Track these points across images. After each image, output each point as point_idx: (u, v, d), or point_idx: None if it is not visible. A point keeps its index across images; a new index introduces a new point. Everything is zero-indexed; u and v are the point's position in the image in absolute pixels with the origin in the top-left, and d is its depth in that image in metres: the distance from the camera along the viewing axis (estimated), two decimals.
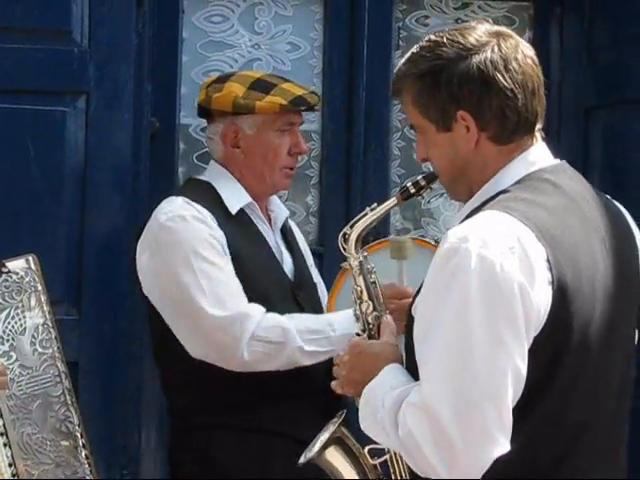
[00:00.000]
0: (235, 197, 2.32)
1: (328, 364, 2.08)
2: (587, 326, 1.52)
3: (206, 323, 2.19)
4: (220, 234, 2.25)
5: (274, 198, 2.45)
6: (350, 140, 3.07)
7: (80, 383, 2.73)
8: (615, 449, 1.63)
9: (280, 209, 2.47)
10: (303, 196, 3.07)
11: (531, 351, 1.42)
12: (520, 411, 1.44)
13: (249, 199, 2.30)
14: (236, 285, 2.24)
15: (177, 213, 2.24)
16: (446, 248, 1.42)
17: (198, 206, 2.25)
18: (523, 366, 1.41)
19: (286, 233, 2.49)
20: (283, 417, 2.26)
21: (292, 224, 2.60)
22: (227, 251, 2.28)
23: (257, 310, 2.23)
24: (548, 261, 1.42)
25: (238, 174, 2.30)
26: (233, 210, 2.27)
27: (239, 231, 2.33)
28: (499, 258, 1.41)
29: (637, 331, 1.72)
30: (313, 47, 3.07)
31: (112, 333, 2.73)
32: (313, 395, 2.25)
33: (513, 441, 1.42)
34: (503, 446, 1.38)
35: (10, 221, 2.70)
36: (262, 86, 2.33)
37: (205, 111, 2.37)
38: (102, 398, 2.77)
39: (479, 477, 1.44)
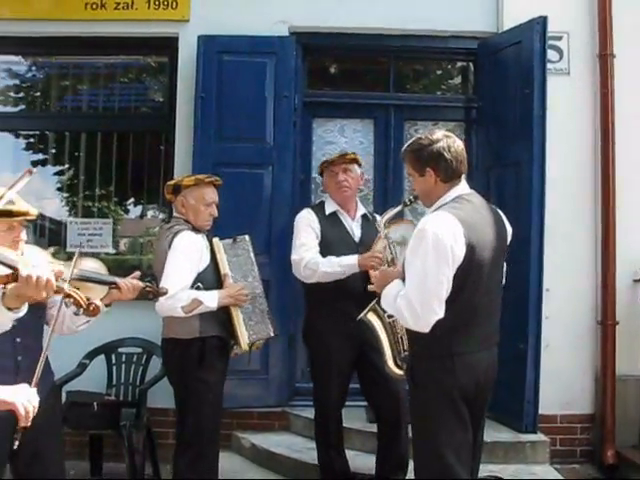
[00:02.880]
0: (329, 207, 4.11)
1: (364, 280, 3.70)
2: (482, 262, 2.69)
3: (292, 261, 4.00)
4: (315, 224, 4.02)
5: (359, 203, 4.17)
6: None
7: (271, 294, 4.87)
8: (494, 318, 2.89)
9: (360, 210, 4.16)
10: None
11: (455, 275, 2.63)
12: (451, 301, 2.65)
13: (336, 207, 4.09)
14: (313, 245, 3.93)
15: (299, 214, 4.11)
16: (418, 228, 2.69)
17: (308, 211, 4.10)
18: (450, 280, 2.61)
19: (367, 221, 4.11)
20: (347, 303, 3.73)
21: (377, 216, 4.10)
22: (318, 232, 3.98)
23: (309, 254, 3.87)
24: (464, 235, 2.62)
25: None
26: (327, 212, 4.08)
27: (326, 222, 4.03)
28: (441, 233, 2.61)
29: (505, 265, 3.00)
30: (370, 142, 5.53)
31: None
32: (358, 293, 3.62)
33: (447, 314, 2.61)
34: (439, 315, 2.62)
35: (248, 222, 4.70)
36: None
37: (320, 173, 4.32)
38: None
39: (428, 329, 2.64)
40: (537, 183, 4.73)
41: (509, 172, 4.99)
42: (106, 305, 2.78)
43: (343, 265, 3.80)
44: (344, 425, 4.43)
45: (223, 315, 3.64)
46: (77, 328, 2.90)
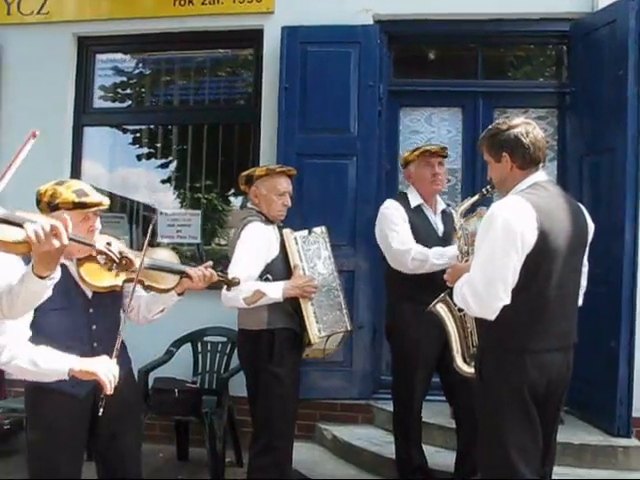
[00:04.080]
0: (414, 199, 4.00)
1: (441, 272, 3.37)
2: (555, 251, 2.57)
3: (394, 250, 3.89)
4: (405, 216, 3.92)
5: (438, 198, 4.08)
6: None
7: (356, 285, 5.03)
8: (570, 316, 2.76)
9: (440, 205, 4.07)
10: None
11: (525, 262, 2.53)
12: (521, 290, 2.56)
13: (421, 200, 3.99)
14: (407, 235, 3.85)
15: (387, 204, 3.99)
16: (488, 213, 2.63)
17: (396, 202, 3.98)
18: (518, 267, 2.53)
19: (446, 215, 4.02)
20: (432, 295, 3.37)
21: (452, 211, 3.77)
22: (407, 222, 3.89)
23: (413, 245, 3.79)
24: (536, 220, 2.53)
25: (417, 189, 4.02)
26: (412, 205, 3.97)
27: (412, 214, 3.94)
28: (511, 217, 2.53)
29: (586, 265, 2.89)
30: (458, 131, 5.44)
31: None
32: (442, 286, 3.22)
33: (517, 305, 2.52)
34: (505, 301, 2.53)
35: (332, 213, 4.81)
36: (415, 149, 4.06)
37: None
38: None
39: (493, 316, 2.56)
40: (631, 170, 4.45)
41: (603, 159, 4.73)
42: (179, 294, 2.87)
43: (450, 256, 3.65)
44: (427, 420, 4.37)
45: (293, 307, 3.62)
46: (152, 317, 2.97)
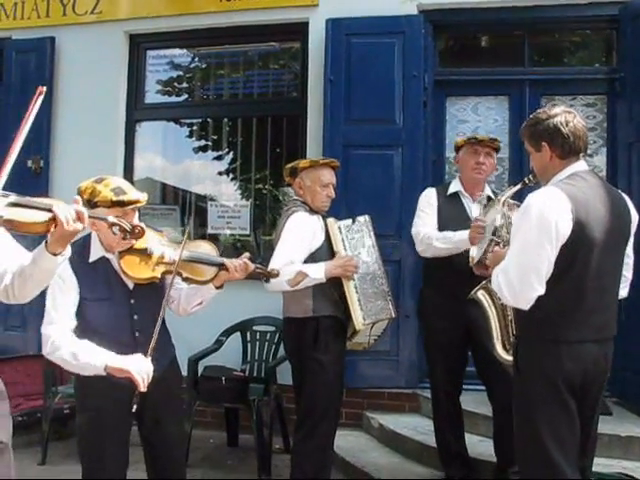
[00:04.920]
0: (454, 187, 4.08)
1: (466, 259, 3.59)
2: (592, 242, 2.56)
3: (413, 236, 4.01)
4: (434, 202, 4.01)
5: (486, 188, 4.06)
6: None
7: (402, 274, 5.09)
8: (609, 308, 2.71)
9: (485, 191, 4.07)
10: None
11: (560, 252, 2.53)
12: (556, 280, 2.56)
13: (460, 187, 4.04)
14: (429, 221, 3.93)
15: (424, 192, 4.12)
16: (525, 203, 2.62)
17: (432, 189, 4.09)
18: (552, 258, 2.52)
19: (489, 201, 3.94)
20: (454, 282, 3.67)
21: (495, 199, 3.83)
22: (435, 209, 3.97)
23: (426, 229, 3.88)
24: (571, 210, 2.52)
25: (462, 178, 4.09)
26: (449, 192, 4.05)
27: (445, 200, 4.03)
28: (545, 207, 2.53)
29: (631, 256, 2.95)
30: (505, 120, 5.40)
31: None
32: (467, 273, 3.51)
33: (553, 295, 2.54)
34: (539, 291, 2.54)
35: (378, 203, 4.88)
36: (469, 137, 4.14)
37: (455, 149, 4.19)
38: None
39: (527, 306, 2.57)
40: None
41: None
42: (218, 287, 2.95)
43: (455, 240, 3.76)
44: (472, 410, 4.40)
45: (339, 295, 3.67)
46: (191, 309, 3.04)
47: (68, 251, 2.36)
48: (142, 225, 2.53)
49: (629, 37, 4.97)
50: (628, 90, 4.99)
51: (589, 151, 5.16)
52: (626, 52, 5.03)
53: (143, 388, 2.52)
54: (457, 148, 4.16)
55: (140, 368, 2.54)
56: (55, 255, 2.29)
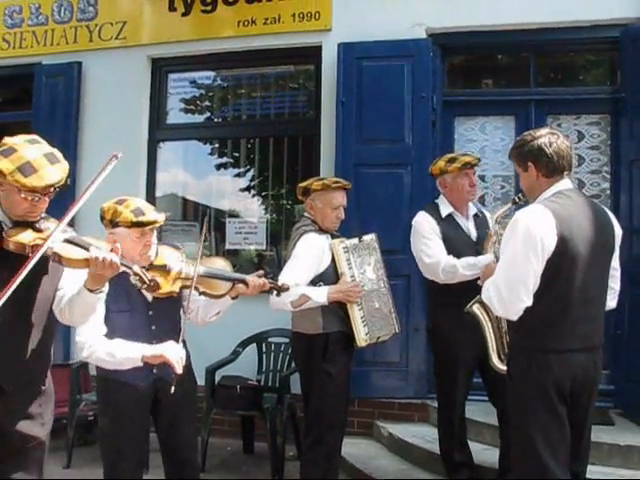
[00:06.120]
0: (444, 209, 4.07)
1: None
2: (575, 256, 2.72)
3: (425, 263, 4.02)
4: (436, 227, 4.00)
5: (470, 205, 4.11)
6: None
7: (412, 289, 5.26)
8: (595, 318, 2.85)
9: (471, 210, 4.12)
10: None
11: (546, 266, 2.70)
12: (543, 292, 2.72)
13: (451, 209, 4.05)
14: (442, 248, 3.92)
15: (418, 218, 4.05)
16: (512, 220, 2.80)
17: (427, 214, 4.03)
18: (538, 271, 2.68)
19: (478, 219, 4.10)
20: (461, 299, 3.51)
21: (487, 214, 4.19)
22: (439, 233, 3.98)
23: (443, 257, 3.88)
24: (555, 226, 2.69)
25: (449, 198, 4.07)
26: (443, 215, 4.04)
27: (442, 223, 4.01)
28: (532, 224, 2.70)
29: (618, 269, 3.01)
30: (511, 139, 5.45)
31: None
32: (474, 290, 3.41)
33: (540, 306, 2.69)
34: (526, 303, 2.71)
35: (388, 220, 5.01)
36: (452, 159, 4.06)
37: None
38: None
39: (516, 317, 2.74)
40: None
41: None
42: (233, 298, 3.16)
43: (481, 266, 3.73)
44: (476, 419, 4.54)
45: (343, 312, 3.85)
46: (209, 319, 3.26)
47: (106, 288, 2.60)
48: (158, 280, 2.80)
49: (630, 59, 5.13)
50: (630, 110, 5.15)
51: (593, 167, 5.36)
52: (627, 73, 5.19)
53: (179, 370, 2.78)
54: (442, 172, 4.12)
55: (175, 351, 2.82)
56: (92, 291, 2.53)
